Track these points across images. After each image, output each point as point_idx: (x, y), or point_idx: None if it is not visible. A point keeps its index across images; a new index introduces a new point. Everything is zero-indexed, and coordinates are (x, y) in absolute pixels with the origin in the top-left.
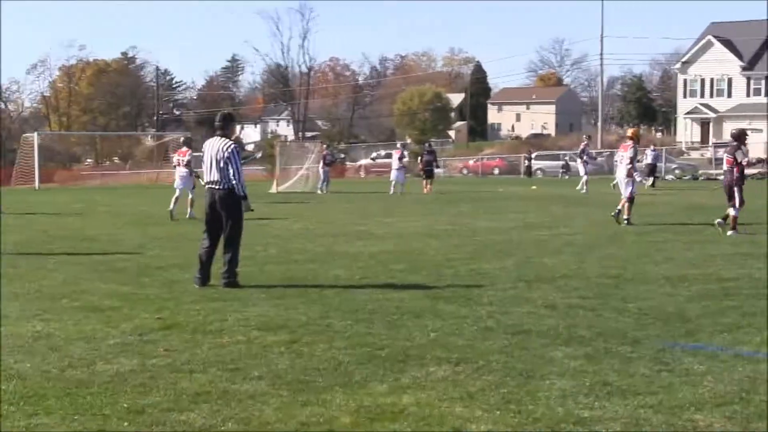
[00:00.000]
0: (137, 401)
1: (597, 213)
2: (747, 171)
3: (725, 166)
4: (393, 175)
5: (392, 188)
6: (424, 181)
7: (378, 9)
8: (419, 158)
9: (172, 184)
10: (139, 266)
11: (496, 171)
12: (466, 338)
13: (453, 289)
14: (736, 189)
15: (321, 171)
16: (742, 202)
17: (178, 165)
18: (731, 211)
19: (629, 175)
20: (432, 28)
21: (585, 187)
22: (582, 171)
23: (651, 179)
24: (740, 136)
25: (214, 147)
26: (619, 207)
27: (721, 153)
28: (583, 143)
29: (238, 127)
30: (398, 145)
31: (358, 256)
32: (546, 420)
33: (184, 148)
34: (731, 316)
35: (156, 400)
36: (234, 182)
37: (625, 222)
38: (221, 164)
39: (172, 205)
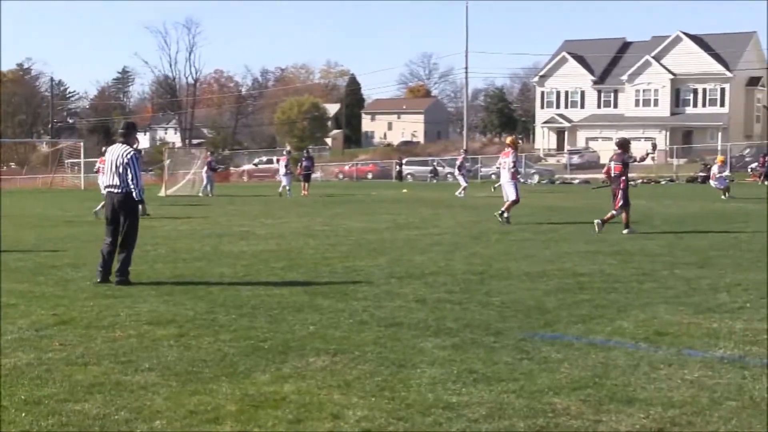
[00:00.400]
0: (34, 392)
1: (463, 214)
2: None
3: (614, 173)
4: (284, 180)
5: (281, 189)
6: (303, 185)
7: (260, 24)
8: (299, 164)
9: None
10: (34, 265)
11: (370, 175)
12: (343, 331)
13: (330, 285)
14: (622, 192)
15: (205, 176)
16: (627, 203)
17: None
18: (610, 212)
19: (513, 178)
20: (310, 42)
21: (463, 192)
22: (462, 182)
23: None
24: (625, 144)
25: (116, 153)
26: (504, 208)
27: (577, 159)
28: (460, 157)
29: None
30: (284, 153)
31: (241, 255)
32: (417, 405)
33: None
34: (585, 308)
35: (52, 391)
36: (132, 187)
37: (506, 221)
38: (120, 169)
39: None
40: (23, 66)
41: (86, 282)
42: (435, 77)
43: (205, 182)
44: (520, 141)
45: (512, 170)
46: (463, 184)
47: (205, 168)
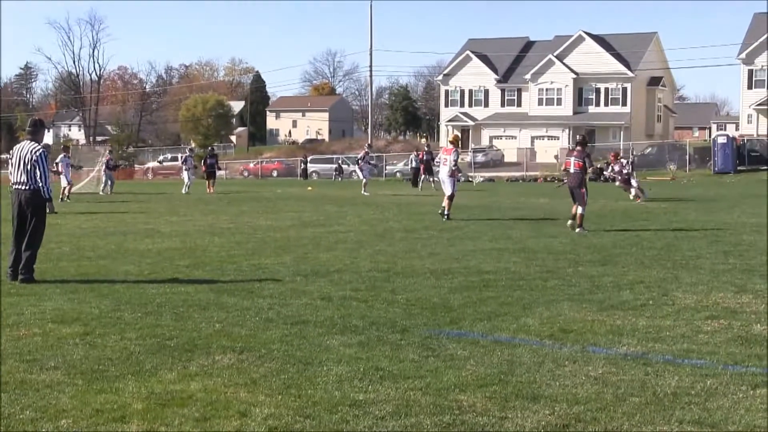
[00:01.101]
0: None
1: (368, 212)
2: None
3: (573, 169)
4: (185, 176)
5: (185, 188)
6: (207, 182)
7: (164, 21)
8: (203, 161)
9: None
10: None
11: (275, 173)
12: (249, 328)
13: (236, 283)
14: (583, 190)
15: (104, 174)
16: (585, 202)
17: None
18: (579, 210)
19: (452, 175)
20: (215, 39)
21: (366, 189)
22: (361, 176)
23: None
24: (585, 143)
25: (24, 150)
26: (444, 204)
27: (481, 157)
28: (363, 151)
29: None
30: (187, 150)
31: (146, 252)
32: (324, 403)
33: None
34: (490, 306)
35: None
36: (41, 184)
37: (446, 217)
38: (29, 166)
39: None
40: None
41: None
42: (340, 75)
43: (104, 181)
44: (423, 138)
45: (453, 168)
46: (363, 178)
47: (103, 167)
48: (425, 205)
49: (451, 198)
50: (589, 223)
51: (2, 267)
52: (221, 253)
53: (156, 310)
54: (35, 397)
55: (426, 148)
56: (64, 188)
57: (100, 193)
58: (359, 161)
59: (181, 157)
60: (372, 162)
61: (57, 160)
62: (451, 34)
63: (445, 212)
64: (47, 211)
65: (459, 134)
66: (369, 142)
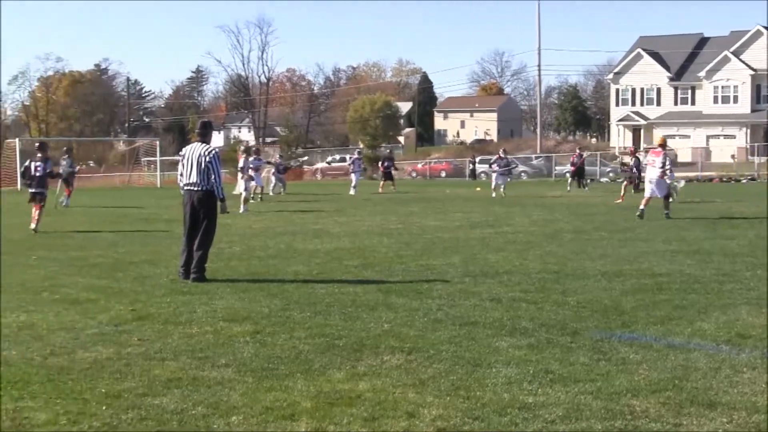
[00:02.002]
0: (114, 386)
1: (537, 213)
2: None
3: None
4: (353, 178)
5: (352, 189)
6: (382, 182)
7: (332, 23)
8: (381, 163)
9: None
10: (113, 262)
11: (443, 174)
12: (418, 329)
13: (404, 284)
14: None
15: (273, 176)
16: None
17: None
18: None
19: (662, 176)
20: (382, 41)
21: (500, 193)
22: (494, 180)
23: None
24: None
25: (196, 152)
26: (643, 206)
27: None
28: (497, 155)
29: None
30: (356, 153)
31: (315, 252)
32: (493, 405)
33: None
34: (664, 309)
35: (131, 385)
36: (214, 185)
37: (666, 215)
38: (202, 167)
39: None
40: (100, 66)
41: (163, 278)
42: (507, 75)
43: (273, 183)
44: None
45: (662, 169)
46: (494, 182)
47: (273, 169)
48: (594, 205)
49: (666, 198)
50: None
51: (175, 266)
52: (390, 253)
53: (325, 310)
54: (207, 393)
55: (578, 150)
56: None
57: (271, 193)
58: (491, 165)
59: (350, 158)
60: (507, 166)
61: (241, 163)
62: (621, 32)
63: (665, 212)
64: (220, 211)
65: (665, 136)
66: (502, 149)
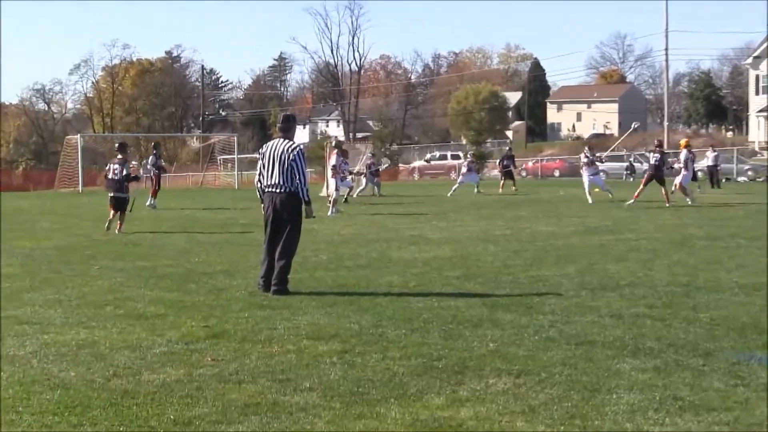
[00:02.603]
0: (184, 413)
1: (663, 216)
2: None
3: None
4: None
5: (476, 189)
6: (502, 182)
7: (430, 4)
8: (499, 162)
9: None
10: (184, 272)
11: (557, 173)
12: (527, 349)
13: (512, 297)
14: None
15: (364, 180)
16: None
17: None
18: None
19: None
20: (487, 23)
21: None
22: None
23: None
24: None
25: (278, 148)
26: None
27: None
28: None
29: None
30: (469, 155)
31: (411, 262)
32: None
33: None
34: None
35: (203, 411)
36: (299, 186)
37: None
38: (285, 166)
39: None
40: (172, 54)
41: (241, 291)
42: (630, 60)
43: (364, 184)
44: (728, 132)
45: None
46: (586, 185)
47: (366, 170)
48: (730, 208)
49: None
50: None
51: (254, 277)
52: (496, 262)
53: (422, 327)
54: (288, 420)
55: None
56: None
57: (354, 195)
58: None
59: (463, 155)
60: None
61: (334, 161)
62: (760, 11)
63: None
64: (307, 215)
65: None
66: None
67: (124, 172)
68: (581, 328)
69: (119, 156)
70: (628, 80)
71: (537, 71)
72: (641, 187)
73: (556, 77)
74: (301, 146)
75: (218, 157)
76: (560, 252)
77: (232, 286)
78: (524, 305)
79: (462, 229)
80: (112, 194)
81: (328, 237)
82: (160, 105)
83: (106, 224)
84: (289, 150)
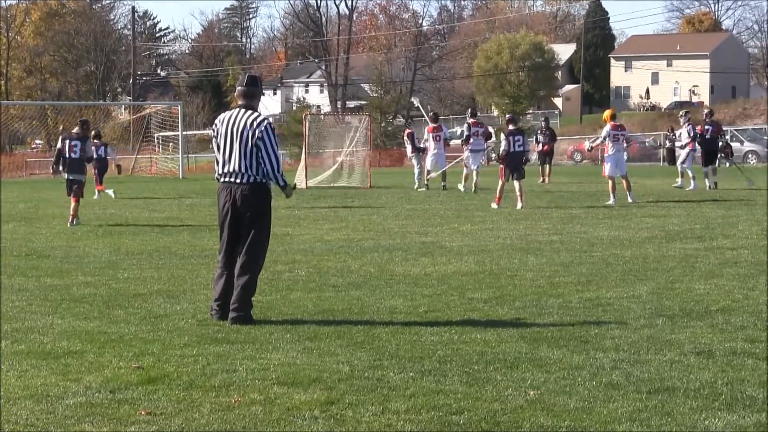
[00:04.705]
0: None
1: None
2: None
3: None
4: (469, 160)
5: (463, 182)
6: (542, 169)
7: None
8: (535, 140)
9: None
10: (109, 293)
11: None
12: (581, 399)
13: (561, 328)
14: None
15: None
16: None
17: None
18: None
19: None
20: None
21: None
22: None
23: None
24: None
25: (238, 123)
26: None
27: None
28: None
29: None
30: (469, 116)
31: (422, 279)
32: None
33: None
34: None
35: None
36: (270, 171)
37: None
38: (248, 147)
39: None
40: None
41: (187, 319)
42: (727, 0)
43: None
44: None
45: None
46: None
47: (410, 147)
48: None
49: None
50: None
51: (204, 300)
52: (539, 280)
53: (437, 369)
54: None
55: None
56: None
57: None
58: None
59: (469, 128)
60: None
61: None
62: None
63: None
64: (286, 196)
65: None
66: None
67: (86, 152)
68: (656, 371)
69: (76, 130)
70: (724, 28)
71: (597, 15)
72: None
73: (623, 23)
74: (270, 120)
75: (155, 135)
76: (628, 266)
77: (175, 313)
78: (577, 339)
79: (492, 234)
80: (71, 177)
81: (307, 245)
82: (75, 62)
83: (70, 219)
84: (254, 124)
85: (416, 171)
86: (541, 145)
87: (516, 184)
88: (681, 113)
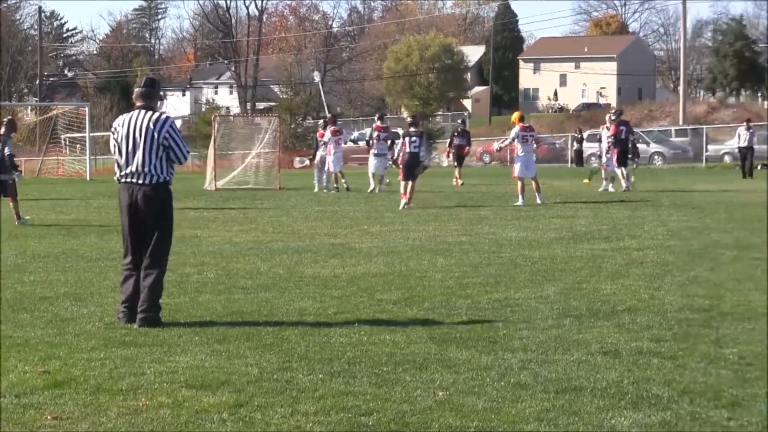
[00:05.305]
0: None
1: (677, 217)
2: None
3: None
4: (371, 163)
5: (372, 182)
6: (457, 171)
7: None
8: (449, 142)
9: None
10: (14, 297)
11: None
12: (490, 399)
13: (470, 328)
14: None
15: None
16: None
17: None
18: None
19: None
20: None
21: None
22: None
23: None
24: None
25: (140, 123)
26: None
27: None
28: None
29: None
30: (376, 119)
31: (332, 280)
32: None
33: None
34: None
35: None
36: (177, 150)
37: None
38: (153, 146)
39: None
40: None
41: (94, 323)
42: (634, 3)
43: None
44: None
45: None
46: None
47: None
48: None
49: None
50: None
51: (111, 303)
52: (447, 281)
53: (346, 370)
54: None
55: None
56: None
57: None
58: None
59: (375, 133)
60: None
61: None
62: None
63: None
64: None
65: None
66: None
67: (7, 151)
68: (563, 370)
69: (2, 130)
70: (631, 30)
71: (506, 17)
72: None
73: (532, 26)
74: (169, 115)
75: (62, 136)
76: (536, 266)
77: (82, 316)
78: (486, 339)
79: (401, 235)
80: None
81: (216, 247)
82: None
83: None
84: (158, 123)
85: (316, 173)
86: (455, 148)
87: (405, 183)
88: (611, 113)
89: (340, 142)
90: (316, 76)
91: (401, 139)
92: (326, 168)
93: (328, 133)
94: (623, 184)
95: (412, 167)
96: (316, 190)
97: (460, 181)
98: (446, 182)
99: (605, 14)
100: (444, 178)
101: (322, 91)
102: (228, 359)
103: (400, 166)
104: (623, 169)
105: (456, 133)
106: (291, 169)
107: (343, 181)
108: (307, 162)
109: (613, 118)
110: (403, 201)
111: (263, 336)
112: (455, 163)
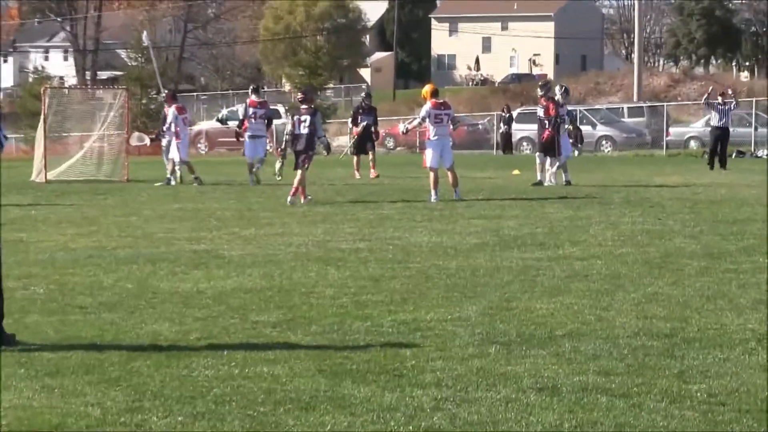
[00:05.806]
0: None
1: (629, 217)
2: None
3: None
4: (247, 148)
5: (251, 173)
6: (356, 158)
7: None
8: (353, 119)
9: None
10: None
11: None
12: None
13: (369, 359)
14: None
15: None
16: None
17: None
18: None
19: None
20: None
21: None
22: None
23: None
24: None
25: None
26: None
27: None
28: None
29: None
30: (251, 92)
31: (195, 297)
32: None
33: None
34: None
35: None
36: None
37: None
38: None
39: None
40: None
41: None
42: None
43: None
44: (742, 71)
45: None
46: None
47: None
48: (746, 202)
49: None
50: None
51: None
52: (341, 298)
53: (213, 411)
54: None
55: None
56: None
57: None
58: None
59: (246, 109)
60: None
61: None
62: None
63: None
64: None
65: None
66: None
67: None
68: (488, 412)
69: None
70: None
71: None
72: None
73: None
74: None
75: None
76: (453, 280)
77: None
78: (390, 372)
79: (283, 240)
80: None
81: (47, 254)
82: None
83: None
84: None
85: (168, 161)
86: (362, 128)
87: (297, 173)
88: (559, 87)
89: (187, 123)
90: (145, 39)
91: (290, 119)
92: (169, 156)
93: (171, 112)
94: (540, 176)
95: (301, 153)
96: (173, 183)
97: (358, 174)
98: (336, 174)
99: None
100: (334, 168)
101: (155, 61)
102: (62, 397)
103: (293, 152)
104: (549, 159)
105: (361, 110)
106: (141, 156)
107: (194, 176)
108: (147, 141)
109: (541, 92)
110: (291, 198)
111: (107, 368)
112: (354, 150)
